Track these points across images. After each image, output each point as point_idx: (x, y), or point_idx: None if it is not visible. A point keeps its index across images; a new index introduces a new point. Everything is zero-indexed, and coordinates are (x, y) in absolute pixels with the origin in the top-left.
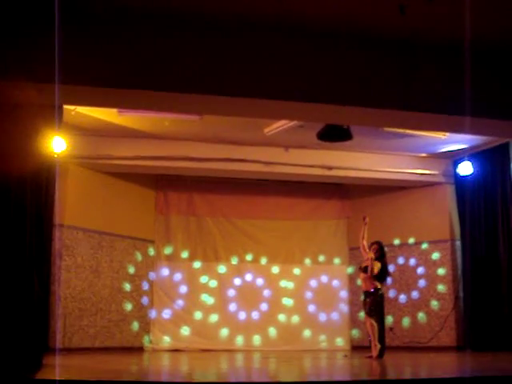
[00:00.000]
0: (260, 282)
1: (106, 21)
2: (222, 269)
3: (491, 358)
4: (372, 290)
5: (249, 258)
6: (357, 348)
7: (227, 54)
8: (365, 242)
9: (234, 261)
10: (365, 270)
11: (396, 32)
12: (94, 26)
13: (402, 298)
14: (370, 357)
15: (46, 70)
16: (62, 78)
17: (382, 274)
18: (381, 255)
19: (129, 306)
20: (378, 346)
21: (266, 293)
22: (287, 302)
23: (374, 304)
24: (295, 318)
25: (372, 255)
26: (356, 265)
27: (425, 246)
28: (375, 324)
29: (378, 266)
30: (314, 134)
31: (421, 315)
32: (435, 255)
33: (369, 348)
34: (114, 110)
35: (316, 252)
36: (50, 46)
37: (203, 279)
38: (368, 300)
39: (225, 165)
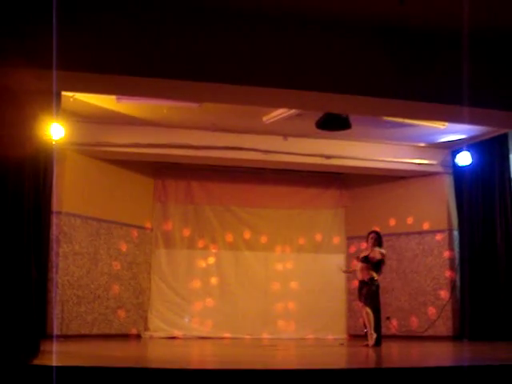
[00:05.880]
0: (257, 270)
1: (105, 7)
2: (219, 257)
3: (488, 348)
4: (367, 280)
5: (246, 246)
6: (353, 336)
7: (226, 42)
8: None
9: (232, 249)
10: (364, 260)
11: (394, 21)
12: (92, 12)
13: (399, 287)
14: (367, 345)
15: (45, 57)
16: (61, 64)
17: (379, 264)
18: (378, 244)
19: (126, 294)
20: (374, 334)
21: (264, 281)
22: (284, 290)
23: (370, 293)
24: (292, 306)
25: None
26: (353, 254)
27: (422, 235)
28: (371, 313)
29: (377, 252)
30: (312, 122)
31: (418, 304)
32: (433, 245)
33: (365, 337)
34: (113, 97)
35: (313, 241)
36: (48, 32)
37: (201, 267)
38: (364, 289)
39: (223, 153)
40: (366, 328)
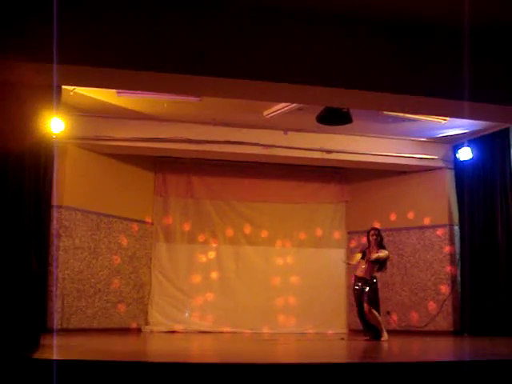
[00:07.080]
0: (258, 264)
1: (105, 0)
2: (220, 251)
3: (488, 343)
4: (369, 278)
5: (247, 240)
6: (354, 331)
7: (227, 36)
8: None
9: (232, 243)
10: (375, 261)
11: (396, 15)
12: (93, 5)
13: (400, 281)
14: (368, 339)
15: (45, 50)
16: (61, 58)
17: (382, 263)
18: (380, 242)
19: (127, 288)
20: (384, 330)
21: (264, 275)
22: (285, 284)
23: (373, 293)
24: (293, 301)
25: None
26: (354, 248)
27: (423, 230)
28: (376, 313)
29: (384, 252)
30: (313, 117)
31: (418, 299)
32: (433, 240)
33: (365, 332)
34: (113, 91)
35: (314, 235)
36: (48, 25)
37: (201, 261)
38: (366, 288)
39: (224, 147)
40: (366, 331)
